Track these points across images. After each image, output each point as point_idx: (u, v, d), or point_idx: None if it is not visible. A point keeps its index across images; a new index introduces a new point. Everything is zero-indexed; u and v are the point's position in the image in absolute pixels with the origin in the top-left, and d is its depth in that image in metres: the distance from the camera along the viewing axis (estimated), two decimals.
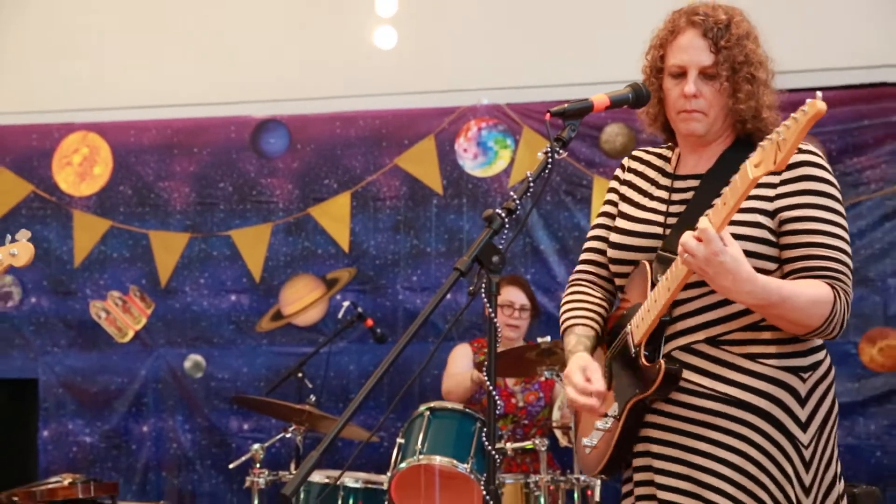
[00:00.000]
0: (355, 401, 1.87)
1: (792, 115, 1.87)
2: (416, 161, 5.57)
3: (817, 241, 2.16)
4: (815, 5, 5.30)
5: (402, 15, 5.76)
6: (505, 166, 5.48)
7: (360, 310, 5.17)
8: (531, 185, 2.10)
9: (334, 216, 5.69)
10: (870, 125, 5.05)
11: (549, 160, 2.13)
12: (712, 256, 1.96)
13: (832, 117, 4.96)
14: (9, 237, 3.26)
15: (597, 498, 4.40)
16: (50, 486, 4.37)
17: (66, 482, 4.37)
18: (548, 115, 2.18)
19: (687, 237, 2.01)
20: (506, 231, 2.05)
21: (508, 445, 4.36)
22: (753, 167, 1.93)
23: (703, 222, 1.99)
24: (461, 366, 5.00)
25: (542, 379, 4.72)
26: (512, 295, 4.85)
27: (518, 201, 2.09)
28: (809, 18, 5.25)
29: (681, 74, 2.27)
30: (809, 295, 2.09)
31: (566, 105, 2.17)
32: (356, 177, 5.65)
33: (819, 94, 1.84)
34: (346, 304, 5.28)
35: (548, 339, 4.32)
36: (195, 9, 6.10)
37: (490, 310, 2.00)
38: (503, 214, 2.03)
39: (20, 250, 3.22)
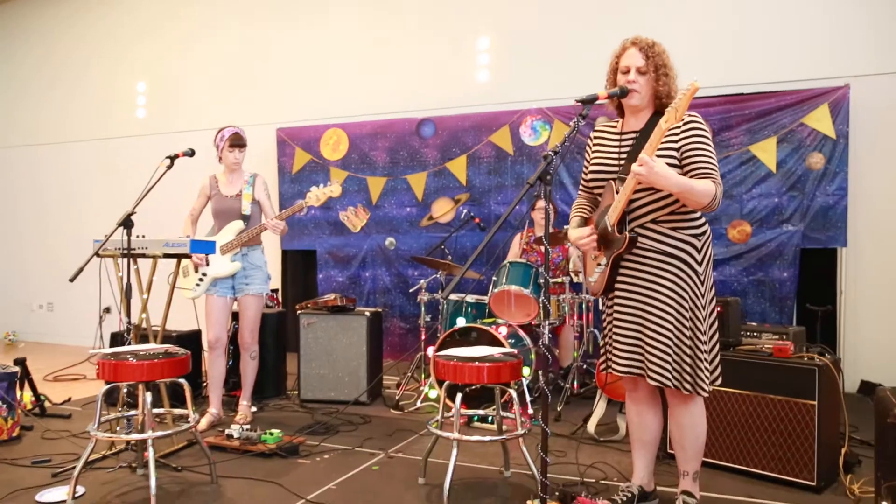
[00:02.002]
0: (471, 259, 2.30)
1: (682, 91, 2.12)
2: (500, 138, 5.81)
3: (700, 159, 2.28)
4: (704, 51, 5.18)
5: (492, 63, 5.99)
6: (545, 140, 5.65)
7: (472, 214, 5.48)
8: (567, 140, 2.24)
9: (458, 167, 5.97)
10: (733, 115, 5.08)
11: (576, 126, 2.25)
12: (650, 169, 2.16)
13: (716, 111, 5.12)
14: (330, 181, 3.94)
15: (591, 311, 4.67)
16: (324, 299, 4.56)
17: (331, 297, 4.55)
18: (575, 101, 2.29)
19: (635, 166, 2.19)
20: (552, 163, 2.19)
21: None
22: (664, 122, 2.15)
23: (641, 155, 2.19)
24: (514, 249, 5.26)
25: (564, 246, 4.89)
26: (542, 204, 4.72)
27: (560, 147, 2.21)
28: (702, 58, 5.18)
29: (626, 71, 2.38)
30: (704, 186, 2.22)
31: (585, 95, 2.26)
32: (469, 147, 5.92)
33: (697, 80, 2.08)
34: (465, 211, 5.61)
35: (566, 227, 4.71)
36: (390, 61, 6.30)
37: (546, 205, 2.23)
38: (552, 154, 2.18)
39: (334, 188, 3.90)
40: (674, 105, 2.12)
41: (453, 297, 4.65)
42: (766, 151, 5.08)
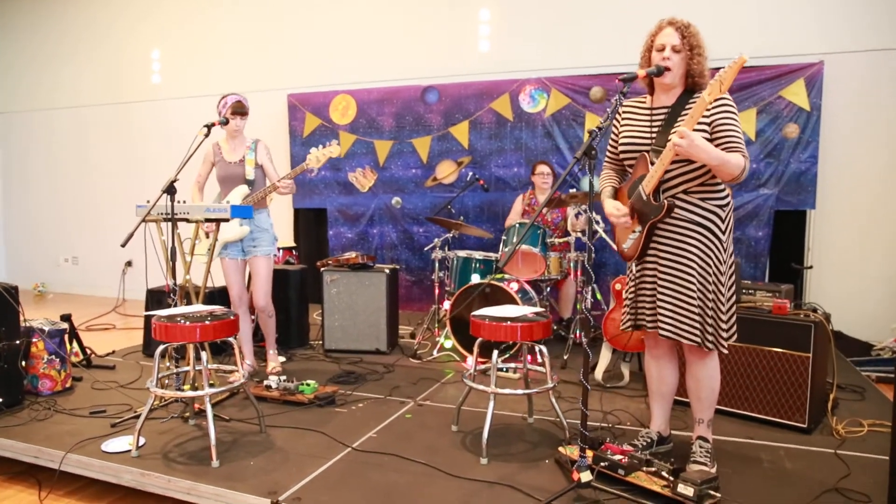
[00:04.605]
0: (530, 221, 2.43)
1: (728, 64, 1.95)
2: (500, 105, 5.66)
3: (730, 133, 2.21)
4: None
5: (493, 34, 5.78)
6: (542, 107, 5.49)
7: (476, 177, 5.32)
8: (609, 116, 2.13)
9: (461, 132, 5.81)
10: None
11: (618, 101, 2.19)
12: (690, 142, 2.09)
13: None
14: (331, 141, 3.68)
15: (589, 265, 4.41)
16: (346, 257, 4.41)
17: (353, 255, 4.38)
18: (617, 80, 2.19)
19: (675, 138, 2.10)
20: (596, 138, 2.05)
21: (556, 240, 4.49)
22: (707, 95, 2.06)
23: (680, 128, 2.09)
24: (516, 208, 5.11)
25: (563, 208, 4.74)
26: (542, 168, 4.92)
27: (603, 123, 2.09)
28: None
29: (662, 49, 2.30)
30: (736, 159, 2.15)
31: (625, 74, 2.18)
32: (471, 113, 5.76)
33: (744, 53, 1.92)
34: (469, 173, 5.43)
35: (573, 190, 4.62)
36: (396, 30, 6.06)
37: (592, 177, 2.12)
38: (595, 131, 2.06)
39: (334, 149, 3.67)
40: (718, 77, 2.01)
41: (462, 254, 4.53)
42: (747, 121, 4.98)
